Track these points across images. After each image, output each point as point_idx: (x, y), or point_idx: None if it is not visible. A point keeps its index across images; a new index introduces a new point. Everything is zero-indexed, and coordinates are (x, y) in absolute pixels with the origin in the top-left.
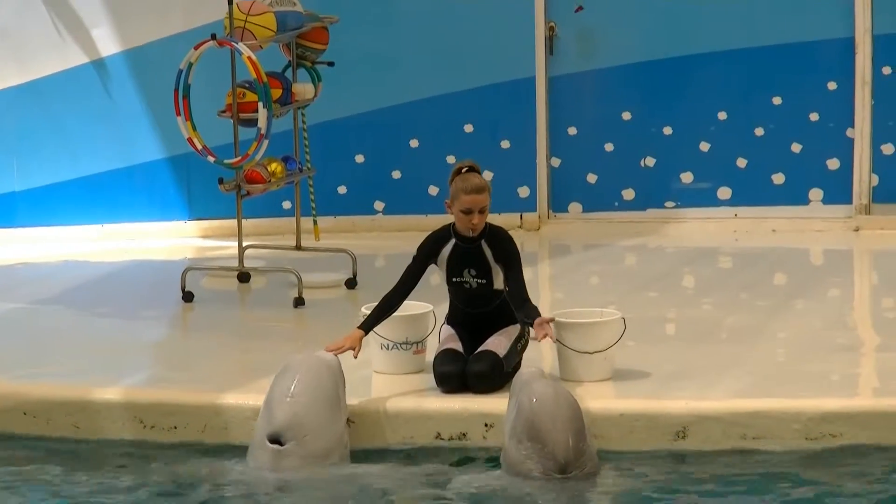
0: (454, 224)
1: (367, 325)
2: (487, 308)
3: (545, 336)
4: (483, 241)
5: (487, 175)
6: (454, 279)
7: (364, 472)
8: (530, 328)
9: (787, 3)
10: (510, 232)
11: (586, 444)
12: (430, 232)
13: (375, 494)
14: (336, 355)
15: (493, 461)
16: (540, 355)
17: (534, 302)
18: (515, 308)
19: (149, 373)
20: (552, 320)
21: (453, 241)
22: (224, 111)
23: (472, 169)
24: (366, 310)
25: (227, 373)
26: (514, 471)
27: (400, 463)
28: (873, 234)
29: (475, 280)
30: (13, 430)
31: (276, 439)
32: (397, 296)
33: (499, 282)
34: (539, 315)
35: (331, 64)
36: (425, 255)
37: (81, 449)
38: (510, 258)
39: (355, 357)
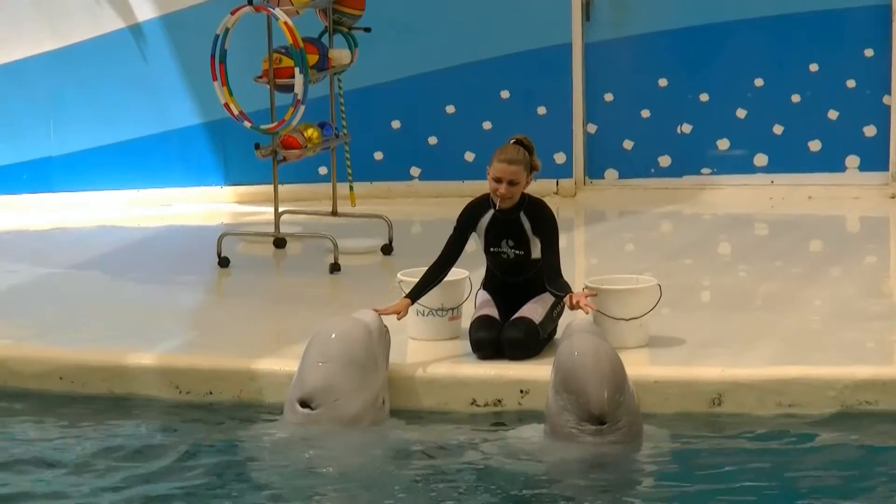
0: None
1: (414, 294)
2: (524, 277)
3: (584, 304)
4: (522, 213)
5: None
6: (492, 249)
7: (396, 435)
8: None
9: None
10: (546, 199)
11: (624, 397)
12: (468, 199)
13: (405, 455)
14: (379, 315)
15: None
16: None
17: (569, 267)
18: (547, 281)
19: (184, 338)
20: (592, 295)
21: (492, 211)
22: (260, 77)
23: (520, 143)
24: (402, 276)
25: (263, 339)
26: (551, 422)
27: (434, 426)
28: None
29: (513, 251)
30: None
31: (306, 403)
32: (442, 265)
33: (536, 252)
34: (571, 291)
35: (367, 30)
36: (465, 224)
37: (118, 408)
38: (548, 232)
39: (398, 319)
